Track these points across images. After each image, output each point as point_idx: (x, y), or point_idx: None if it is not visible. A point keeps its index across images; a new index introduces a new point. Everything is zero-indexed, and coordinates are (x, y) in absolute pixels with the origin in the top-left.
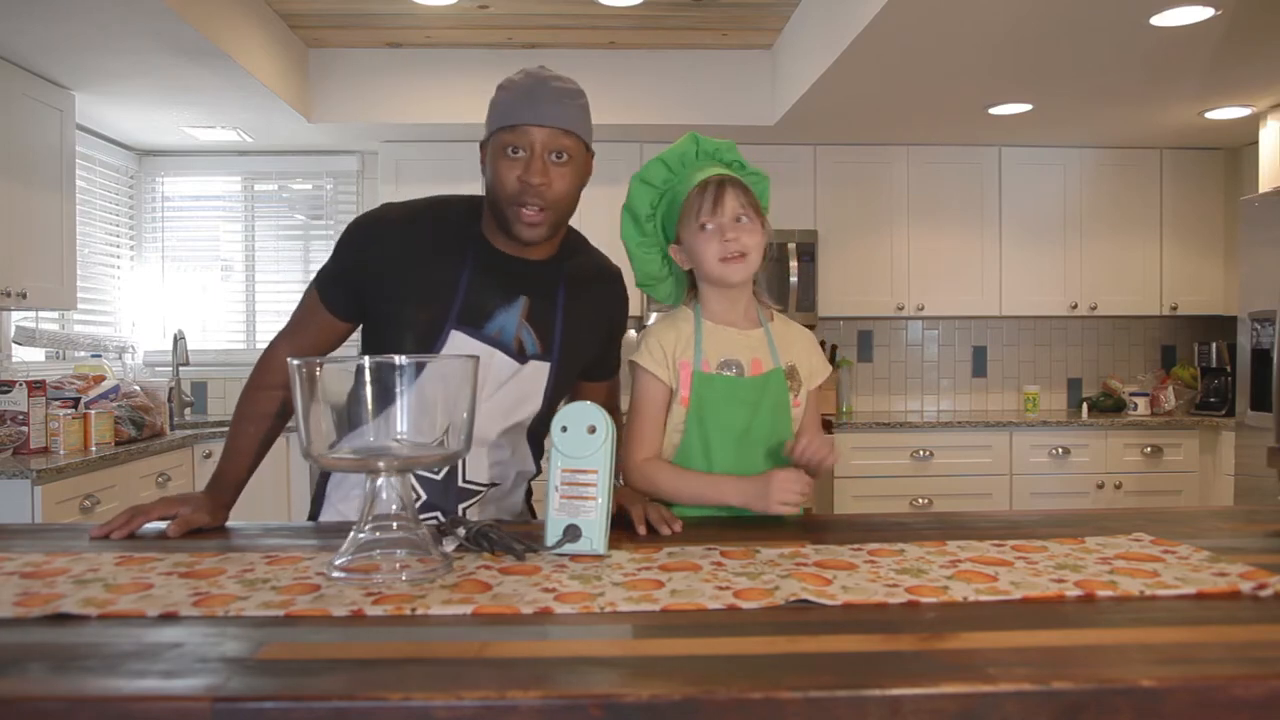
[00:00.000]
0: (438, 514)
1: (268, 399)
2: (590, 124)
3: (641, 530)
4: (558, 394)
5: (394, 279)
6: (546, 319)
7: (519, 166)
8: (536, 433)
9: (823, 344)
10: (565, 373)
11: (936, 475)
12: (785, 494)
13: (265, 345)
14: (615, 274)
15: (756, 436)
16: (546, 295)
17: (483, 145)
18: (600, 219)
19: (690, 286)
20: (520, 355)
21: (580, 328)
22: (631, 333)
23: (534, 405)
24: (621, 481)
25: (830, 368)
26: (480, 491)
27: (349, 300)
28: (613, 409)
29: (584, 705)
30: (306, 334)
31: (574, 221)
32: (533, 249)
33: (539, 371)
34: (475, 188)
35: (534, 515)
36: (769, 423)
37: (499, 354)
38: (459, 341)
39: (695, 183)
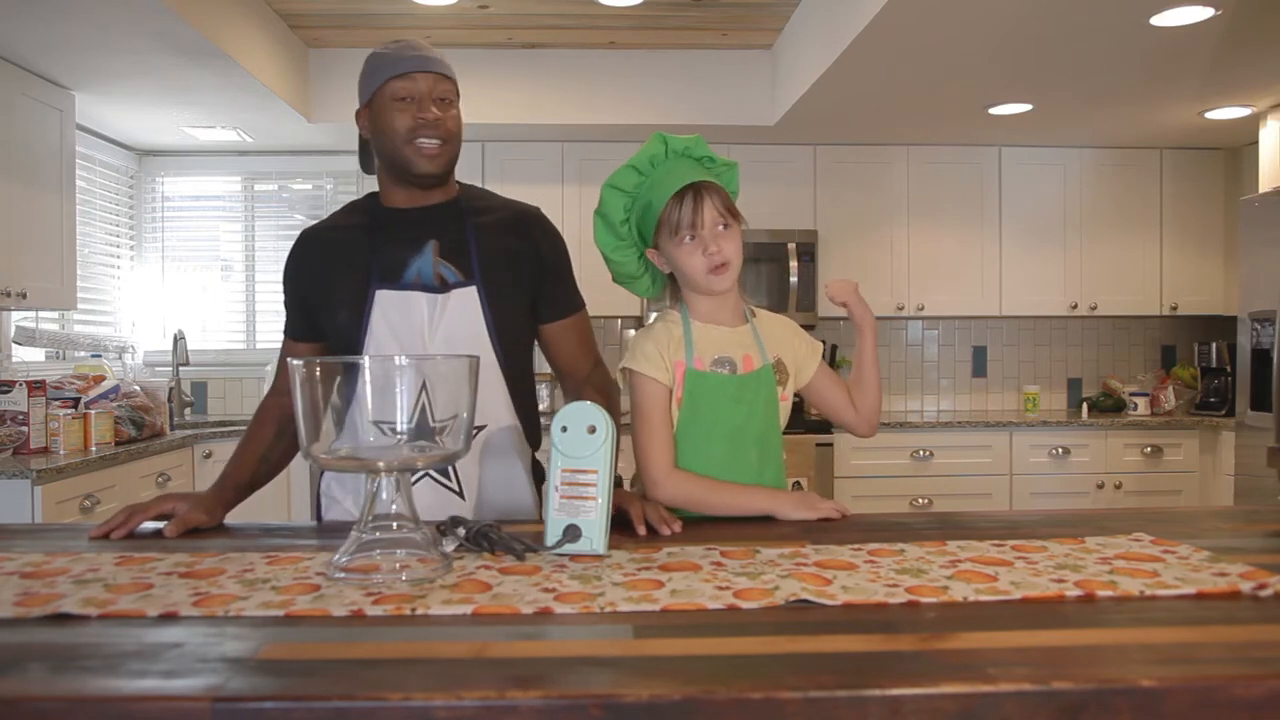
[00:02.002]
0: (429, 470)
1: (274, 404)
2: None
3: (641, 530)
4: (501, 319)
5: (319, 275)
6: (460, 251)
7: (412, 109)
8: (510, 372)
9: (822, 344)
10: (497, 296)
11: (936, 475)
12: (823, 506)
13: (264, 345)
14: (533, 211)
15: (748, 434)
16: (454, 231)
17: (362, 111)
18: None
19: (671, 283)
20: (443, 288)
21: (498, 251)
22: (630, 331)
23: (478, 331)
24: (632, 487)
25: (819, 345)
26: None
27: (303, 320)
28: (595, 362)
29: (584, 705)
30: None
31: (573, 214)
32: (429, 194)
33: (466, 296)
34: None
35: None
36: (760, 420)
37: (423, 295)
38: (384, 298)
39: (669, 188)
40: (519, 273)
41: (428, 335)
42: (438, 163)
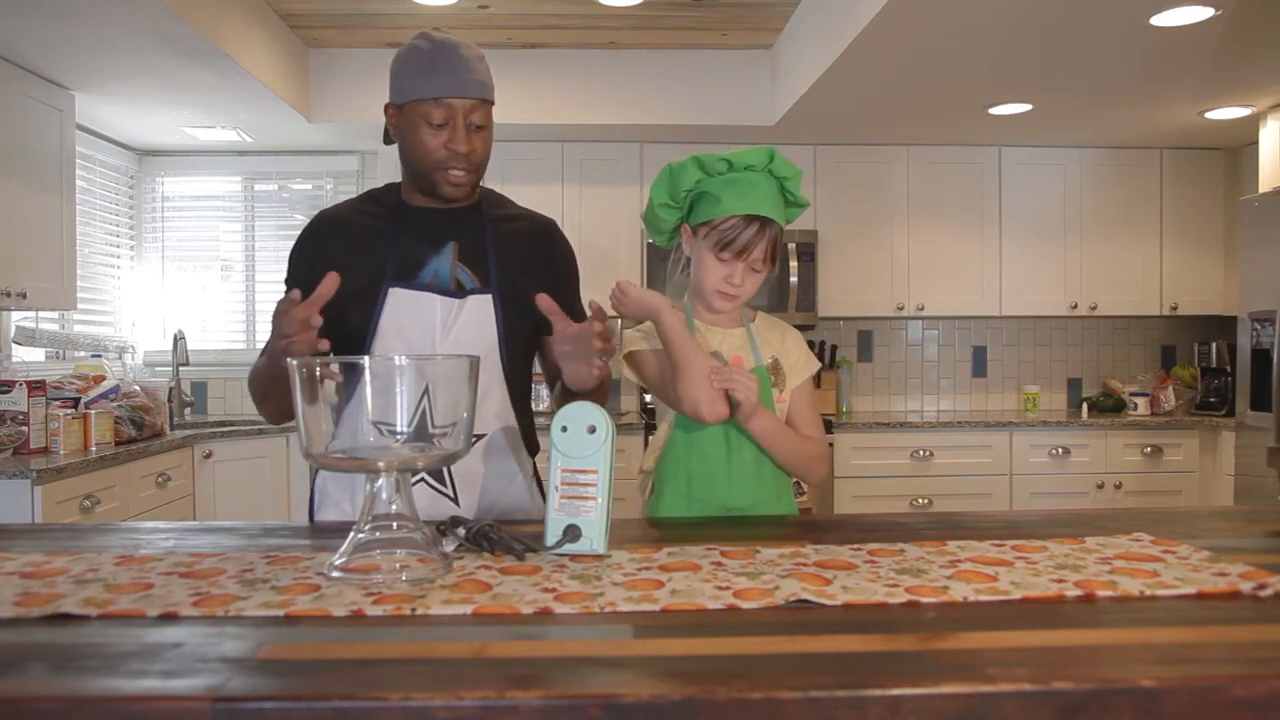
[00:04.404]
0: (424, 474)
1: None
2: (493, 83)
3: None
4: (511, 329)
5: (332, 263)
6: (478, 256)
7: (444, 135)
8: (513, 381)
9: (822, 344)
10: (511, 304)
11: (936, 475)
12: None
13: (265, 345)
14: (549, 223)
15: (743, 434)
16: (474, 236)
17: (390, 109)
18: (602, 217)
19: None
20: (459, 293)
21: (515, 259)
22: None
23: (489, 340)
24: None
25: (817, 364)
26: None
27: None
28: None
29: (584, 705)
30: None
31: (573, 214)
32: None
33: (481, 303)
34: None
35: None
36: None
37: (439, 297)
38: (397, 297)
39: (746, 202)
40: (534, 284)
41: (438, 339)
42: (463, 190)
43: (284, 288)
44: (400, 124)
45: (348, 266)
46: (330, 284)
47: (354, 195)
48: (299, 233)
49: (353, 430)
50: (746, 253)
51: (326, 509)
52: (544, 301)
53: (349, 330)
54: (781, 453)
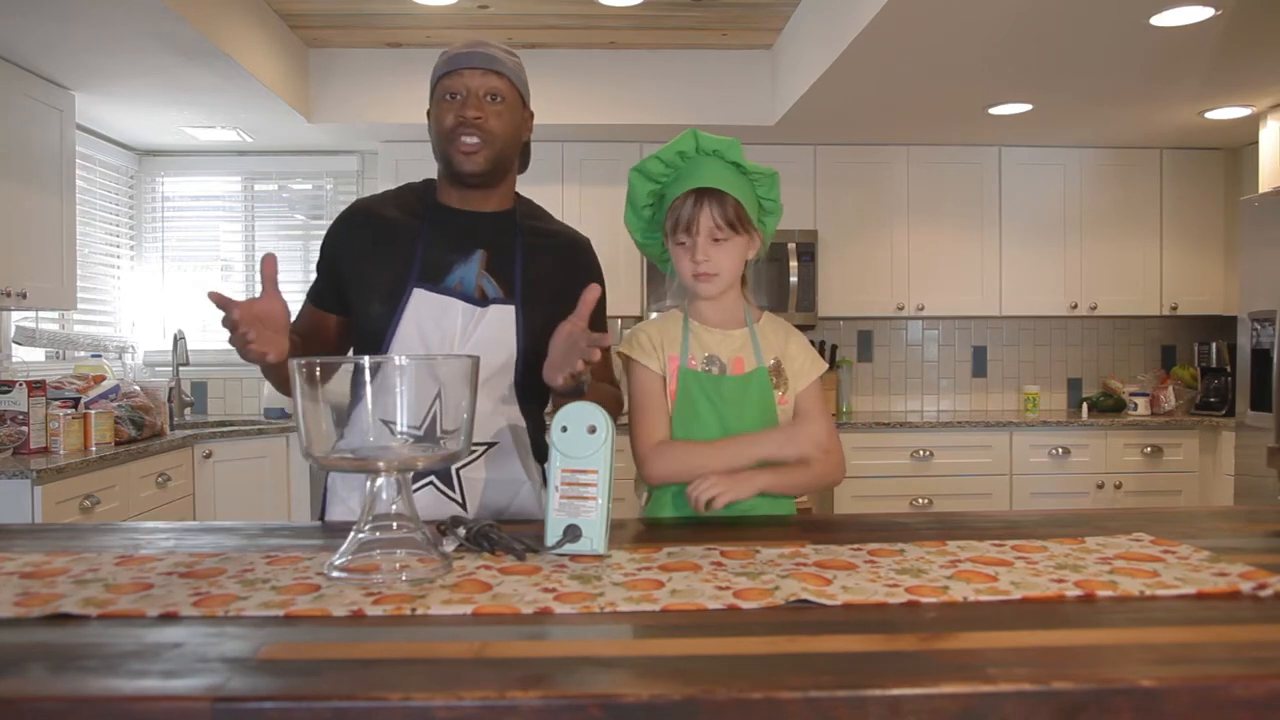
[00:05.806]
0: (433, 478)
1: None
2: (525, 78)
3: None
4: (532, 341)
5: (360, 254)
6: (506, 266)
7: (456, 106)
8: (527, 390)
9: (822, 344)
10: (533, 317)
11: (936, 475)
12: (813, 438)
13: None
14: (583, 242)
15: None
16: (503, 244)
17: (429, 109)
18: (602, 217)
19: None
20: (482, 302)
21: (542, 273)
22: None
23: (508, 351)
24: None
25: (824, 365)
26: (472, 451)
27: (332, 293)
28: (609, 381)
29: (584, 705)
30: (298, 322)
31: (573, 214)
32: (484, 199)
33: (504, 314)
34: None
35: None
36: (755, 423)
37: (461, 304)
38: (420, 298)
39: (682, 186)
40: (558, 300)
41: (458, 346)
42: (475, 161)
43: (300, 282)
44: (431, 115)
45: (375, 259)
46: (269, 265)
47: (356, 195)
48: (329, 223)
49: (362, 430)
50: (693, 225)
51: (335, 507)
52: (591, 293)
53: (370, 325)
54: (796, 490)
